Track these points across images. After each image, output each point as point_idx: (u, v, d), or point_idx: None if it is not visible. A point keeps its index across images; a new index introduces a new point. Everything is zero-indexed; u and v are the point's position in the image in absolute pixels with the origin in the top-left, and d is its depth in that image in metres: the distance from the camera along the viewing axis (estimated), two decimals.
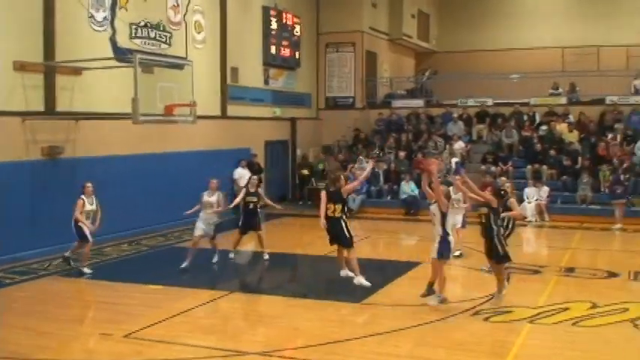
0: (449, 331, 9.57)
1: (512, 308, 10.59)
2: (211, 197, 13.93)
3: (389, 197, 23.23)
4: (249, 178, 16.00)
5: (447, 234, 10.61)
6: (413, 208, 22.12)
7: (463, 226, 14.68)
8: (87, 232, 13.17)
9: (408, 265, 14.13)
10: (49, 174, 15.01)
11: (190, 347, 8.92)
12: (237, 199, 15.01)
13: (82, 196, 13.24)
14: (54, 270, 13.74)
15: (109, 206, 16.20)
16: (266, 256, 14.73)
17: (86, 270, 13.21)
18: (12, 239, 13.93)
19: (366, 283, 11.76)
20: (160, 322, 10.01)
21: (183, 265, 13.51)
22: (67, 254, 13.48)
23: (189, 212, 14.01)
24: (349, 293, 11.61)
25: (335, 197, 11.83)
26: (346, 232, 11.85)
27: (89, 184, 13.39)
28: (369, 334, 9.40)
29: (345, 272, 12.16)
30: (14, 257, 13.89)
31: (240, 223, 14.84)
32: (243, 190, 14.93)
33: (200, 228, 13.88)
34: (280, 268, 14.76)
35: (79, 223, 13.12)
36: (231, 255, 14.77)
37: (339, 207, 11.81)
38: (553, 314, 10.26)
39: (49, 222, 14.73)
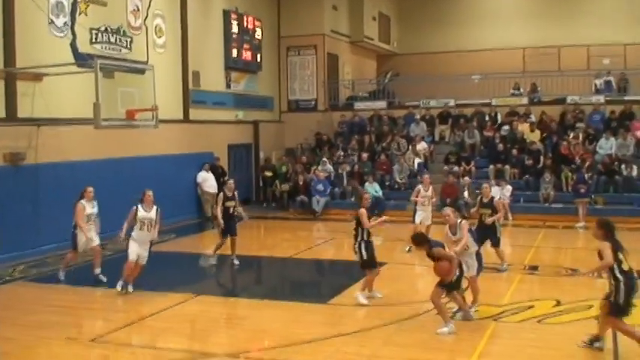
0: (414, 330, 9.67)
1: (477, 307, 10.72)
2: (149, 212, 12.10)
3: (353, 198, 23.30)
4: (227, 182, 15.66)
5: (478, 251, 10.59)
6: (378, 209, 22.18)
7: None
8: (79, 242, 12.87)
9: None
10: (11, 180, 14.85)
11: (157, 350, 8.93)
12: (218, 208, 14.40)
13: (82, 201, 12.93)
14: (18, 276, 13.61)
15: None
16: (236, 262, 14.56)
17: (61, 275, 13.02)
18: None
19: (363, 302, 11.07)
20: (127, 325, 9.98)
21: (122, 289, 11.96)
22: (96, 272, 13.05)
23: (123, 234, 12.14)
24: (315, 294, 11.70)
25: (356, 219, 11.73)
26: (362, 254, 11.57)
27: (90, 189, 13.16)
28: (335, 334, 9.47)
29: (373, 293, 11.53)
30: None
31: (221, 228, 14.50)
32: (221, 195, 14.64)
33: (134, 252, 11.91)
34: (246, 270, 14.75)
35: (76, 231, 12.82)
36: (212, 260, 14.71)
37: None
38: (518, 312, 10.42)
39: (12, 228, 14.57)
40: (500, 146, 23.67)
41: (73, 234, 12.90)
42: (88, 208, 13.00)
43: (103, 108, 13.78)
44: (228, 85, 24.35)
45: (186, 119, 21.70)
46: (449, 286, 9.67)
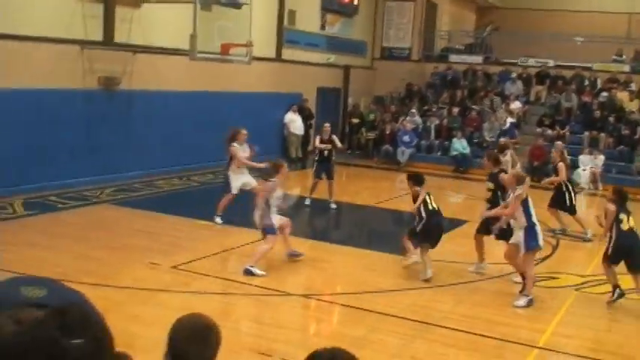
0: (492, 292, 9.52)
1: (559, 275, 10.47)
2: (245, 151, 12.53)
3: (439, 153, 23.00)
4: (323, 125, 15.65)
5: (534, 224, 9.14)
6: (463, 166, 21.90)
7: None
8: (233, 184, 12.41)
9: (454, 223, 14.00)
10: (104, 104, 15.16)
11: (235, 283, 9.04)
12: (316, 144, 14.88)
13: (234, 144, 12.39)
14: (105, 198, 13.97)
15: (162, 141, 16.45)
16: (333, 206, 14.47)
17: (217, 220, 12.34)
18: (65, 165, 14.17)
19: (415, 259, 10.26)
20: (207, 256, 10.15)
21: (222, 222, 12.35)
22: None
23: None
24: (392, 245, 11.59)
25: None
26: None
27: (244, 131, 12.71)
28: (410, 287, 9.40)
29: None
30: (66, 183, 14.13)
31: (314, 169, 14.67)
32: (317, 138, 14.67)
33: (236, 187, 12.39)
34: (325, 215, 14.78)
35: (229, 172, 12.53)
36: (307, 201, 14.76)
37: None
38: (600, 284, 10.09)
39: (102, 151, 14.96)
40: (597, 113, 22.79)
41: (226, 176, 12.66)
42: (240, 151, 12.49)
43: (199, 40, 13.86)
44: (322, 27, 24.12)
45: (278, 58, 21.65)
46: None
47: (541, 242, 9.27)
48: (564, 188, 13.26)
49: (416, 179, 10.20)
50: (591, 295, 9.65)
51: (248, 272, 9.29)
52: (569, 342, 7.89)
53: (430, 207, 9.89)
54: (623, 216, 9.27)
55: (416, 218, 9.94)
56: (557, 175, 13.42)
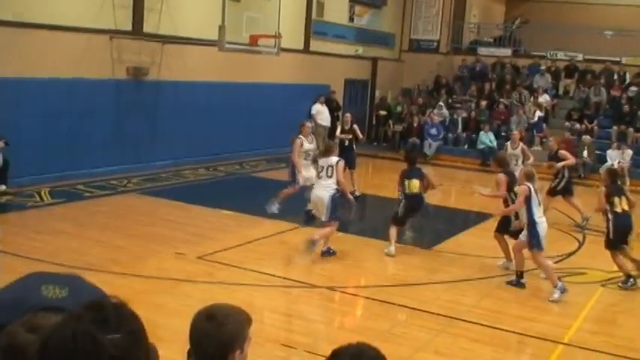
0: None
1: (585, 270, 10.38)
2: (312, 143, 12.69)
3: (466, 146, 22.85)
4: (344, 115, 15.67)
5: (535, 222, 9.01)
6: (490, 159, 21.73)
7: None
8: (298, 176, 12.26)
9: (480, 217, 13.94)
10: (133, 94, 15.26)
11: (260, 274, 9.07)
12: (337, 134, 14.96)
13: (300, 136, 12.30)
14: (132, 187, 14.08)
15: (190, 131, 16.56)
16: (357, 193, 14.32)
17: (274, 209, 12.30)
18: (93, 154, 14.31)
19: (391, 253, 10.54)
20: (232, 247, 10.19)
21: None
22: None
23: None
24: (418, 239, 11.58)
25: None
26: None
27: (308, 124, 12.77)
28: (436, 280, 9.38)
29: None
30: (94, 172, 14.26)
31: None
32: (339, 128, 14.67)
33: (303, 178, 12.19)
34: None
35: (293, 166, 12.47)
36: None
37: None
38: None
39: (130, 140, 15.08)
40: (626, 107, 22.47)
41: (292, 168, 12.55)
42: (306, 143, 12.42)
43: (228, 31, 13.91)
44: (351, 19, 24.05)
45: (306, 50, 21.63)
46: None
47: (542, 242, 9.07)
48: (563, 174, 13.36)
49: (499, 162, 10.76)
50: (618, 291, 9.56)
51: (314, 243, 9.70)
52: (594, 338, 7.82)
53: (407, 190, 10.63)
54: (615, 198, 9.65)
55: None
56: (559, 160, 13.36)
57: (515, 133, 15.48)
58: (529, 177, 9.35)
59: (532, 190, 9.14)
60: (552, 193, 13.52)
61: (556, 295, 8.83)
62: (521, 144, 14.47)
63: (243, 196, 14.15)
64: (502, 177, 10.14)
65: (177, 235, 10.72)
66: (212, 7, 15.31)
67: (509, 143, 14.73)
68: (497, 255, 10.43)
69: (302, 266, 9.76)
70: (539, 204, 9.31)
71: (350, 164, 14.33)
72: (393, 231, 10.59)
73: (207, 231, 11.13)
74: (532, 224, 9.02)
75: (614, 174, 10.44)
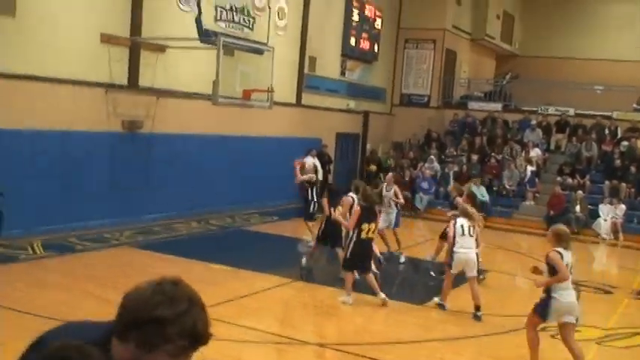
0: (512, 344, 9.34)
1: (580, 328, 10.28)
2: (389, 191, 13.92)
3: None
4: (386, 175, 15.95)
5: (551, 297, 8.03)
6: (482, 214, 21.73)
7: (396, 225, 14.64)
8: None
9: None
10: (126, 147, 15.29)
11: (250, 330, 8.96)
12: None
13: (351, 194, 11.56)
14: (125, 240, 14.00)
15: (182, 183, 16.54)
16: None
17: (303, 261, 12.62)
18: (86, 206, 14.25)
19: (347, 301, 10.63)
20: (222, 302, 10.07)
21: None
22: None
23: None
24: (411, 295, 11.50)
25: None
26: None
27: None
28: (429, 338, 9.29)
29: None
30: (87, 225, 14.19)
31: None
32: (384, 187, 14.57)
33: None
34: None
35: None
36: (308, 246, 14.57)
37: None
38: (622, 338, 9.96)
39: (123, 193, 15.04)
40: (618, 162, 22.65)
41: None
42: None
43: (222, 85, 14.00)
44: (342, 73, 24.31)
45: (298, 103, 21.80)
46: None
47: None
48: None
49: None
50: (613, 349, 9.48)
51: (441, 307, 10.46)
52: None
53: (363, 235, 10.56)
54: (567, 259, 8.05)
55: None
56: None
57: (390, 175, 15.70)
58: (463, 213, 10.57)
59: None
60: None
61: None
62: (395, 186, 14.73)
63: (235, 250, 14.08)
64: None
65: None
66: (206, 62, 15.46)
67: (384, 185, 14.84)
68: (493, 312, 10.36)
69: (292, 321, 9.67)
70: None
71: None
72: (349, 277, 10.73)
73: (196, 284, 10.79)
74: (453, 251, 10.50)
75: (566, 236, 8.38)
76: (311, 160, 14.95)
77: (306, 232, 15.02)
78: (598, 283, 13.37)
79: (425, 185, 22.61)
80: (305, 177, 14.49)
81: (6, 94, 12.73)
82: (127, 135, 15.30)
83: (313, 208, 15.12)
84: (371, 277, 10.81)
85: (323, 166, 21.39)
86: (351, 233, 10.73)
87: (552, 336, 9.53)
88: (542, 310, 8.03)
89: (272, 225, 17.47)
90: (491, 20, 30.29)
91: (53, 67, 13.56)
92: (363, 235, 10.54)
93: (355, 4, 23.97)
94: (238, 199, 18.35)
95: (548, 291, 7.99)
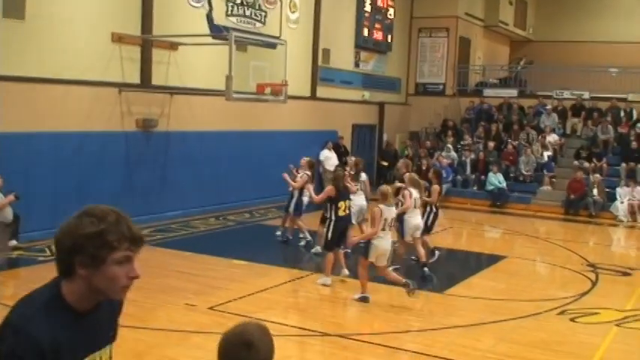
0: (532, 329, 9.37)
1: (598, 310, 10.29)
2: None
3: (475, 187, 22.84)
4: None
5: (371, 243, 10.22)
6: (500, 201, 21.72)
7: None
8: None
9: (492, 259, 13.91)
10: (142, 146, 15.39)
11: (271, 324, 8.96)
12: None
13: (381, 205, 10.26)
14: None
15: (199, 180, 16.64)
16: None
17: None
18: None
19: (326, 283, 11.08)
20: (243, 297, 10.16)
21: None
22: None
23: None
24: (430, 283, 11.52)
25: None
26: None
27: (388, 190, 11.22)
28: (449, 325, 9.30)
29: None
30: None
31: None
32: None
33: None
34: (359, 250, 14.69)
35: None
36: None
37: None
38: None
39: (140, 192, 15.15)
40: (635, 144, 22.49)
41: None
42: (386, 212, 10.67)
43: (235, 81, 14.04)
44: (356, 65, 24.29)
45: (313, 96, 21.81)
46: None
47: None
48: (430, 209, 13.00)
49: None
50: (633, 331, 9.46)
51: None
52: None
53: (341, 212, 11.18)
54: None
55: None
56: (428, 195, 12.97)
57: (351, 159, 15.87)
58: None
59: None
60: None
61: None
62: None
63: (253, 245, 14.16)
64: None
65: (188, 286, 10.70)
66: (218, 57, 15.51)
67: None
68: (512, 297, 10.36)
69: (312, 314, 9.72)
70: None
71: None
72: (330, 258, 11.09)
73: (218, 281, 11.10)
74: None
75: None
76: (305, 160, 14.36)
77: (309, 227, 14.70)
78: (616, 266, 13.31)
79: (443, 174, 22.49)
80: (297, 183, 13.78)
81: (19, 97, 12.78)
82: (142, 134, 15.40)
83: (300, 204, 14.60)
84: (341, 253, 11.58)
85: (339, 158, 21.46)
86: (329, 213, 11.25)
87: (572, 319, 9.56)
88: (365, 252, 10.16)
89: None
90: (504, 6, 30.13)
91: (66, 68, 13.64)
92: (341, 213, 11.20)
93: None
94: (255, 194, 18.43)
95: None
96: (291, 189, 13.86)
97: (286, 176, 13.63)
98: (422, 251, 11.95)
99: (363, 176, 13.90)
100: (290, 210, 13.97)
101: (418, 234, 12.10)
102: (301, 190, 13.73)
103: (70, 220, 2.38)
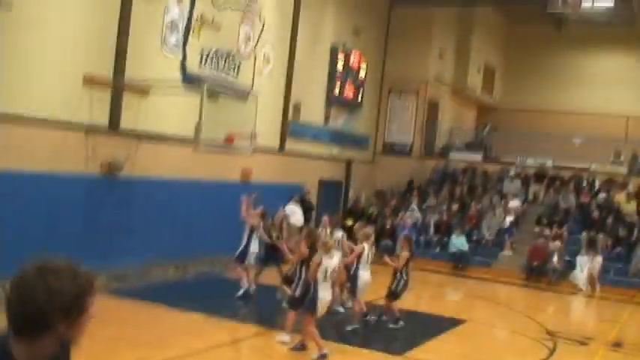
0: None
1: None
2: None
3: (437, 249, 22.91)
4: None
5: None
6: (461, 263, 21.80)
7: None
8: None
9: (452, 322, 13.87)
10: (105, 190, 15.17)
11: None
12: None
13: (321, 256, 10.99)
14: (99, 286, 13.79)
15: (160, 228, 16.40)
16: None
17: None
18: (62, 250, 14.02)
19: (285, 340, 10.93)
20: (198, 352, 9.96)
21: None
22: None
23: None
24: (390, 344, 11.43)
25: None
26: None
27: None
28: None
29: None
30: None
31: None
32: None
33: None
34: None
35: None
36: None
37: None
38: None
39: (99, 237, 14.87)
40: (596, 214, 22.86)
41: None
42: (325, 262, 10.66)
43: (204, 130, 14.00)
44: (326, 120, 24.44)
45: (281, 150, 21.83)
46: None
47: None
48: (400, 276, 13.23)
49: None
50: None
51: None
52: None
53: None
54: None
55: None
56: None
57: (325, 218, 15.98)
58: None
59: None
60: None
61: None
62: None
63: (212, 298, 13.94)
64: None
65: (142, 338, 10.46)
66: (189, 105, 15.49)
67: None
68: None
69: None
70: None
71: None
72: (291, 316, 10.78)
73: (173, 334, 10.89)
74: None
75: None
76: (258, 210, 14.68)
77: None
78: (573, 335, 13.36)
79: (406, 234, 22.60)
80: (253, 220, 14.23)
81: None
82: (106, 177, 15.21)
83: (246, 252, 14.73)
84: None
85: (305, 213, 21.41)
86: (298, 272, 10.97)
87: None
88: (311, 307, 10.07)
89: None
90: (472, 73, 30.74)
91: (34, 107, 13.39)
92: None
93: (340, 53, 24.22)
94: (218, 245, 18.21)
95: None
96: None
97: (245, 200, 13.73)
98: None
99: (339, 234, 13.89)
100: (236, 255, 13.95)
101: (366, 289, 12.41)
102: (249, 237, 13.73)
103: (34, 279, 2.41)
